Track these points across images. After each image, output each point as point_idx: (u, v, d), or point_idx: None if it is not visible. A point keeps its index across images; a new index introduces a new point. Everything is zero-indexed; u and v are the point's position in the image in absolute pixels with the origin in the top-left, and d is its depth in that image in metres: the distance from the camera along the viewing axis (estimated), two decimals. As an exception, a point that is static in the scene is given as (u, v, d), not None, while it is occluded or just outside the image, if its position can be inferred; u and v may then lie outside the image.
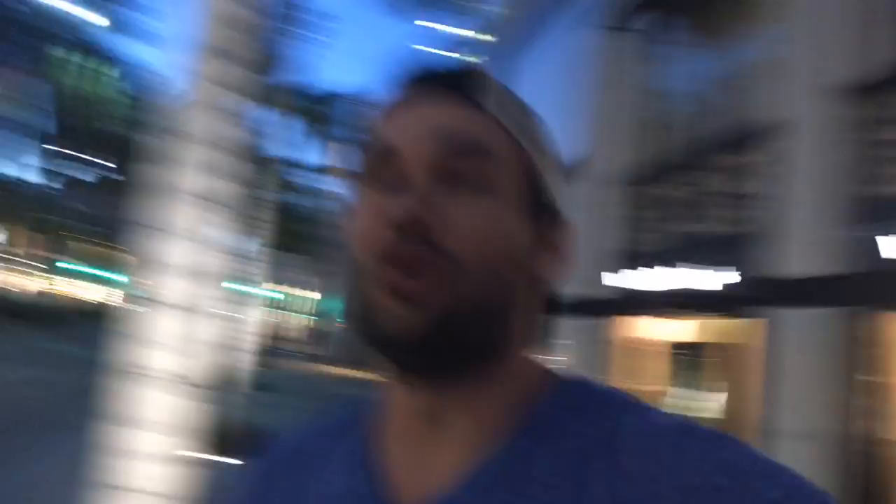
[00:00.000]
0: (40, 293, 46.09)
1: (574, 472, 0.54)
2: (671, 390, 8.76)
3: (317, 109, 21.69)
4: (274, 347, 26.06)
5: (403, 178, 0.57)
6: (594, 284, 9.16)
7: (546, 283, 0.62)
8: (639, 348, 9.10)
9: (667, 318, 8.74)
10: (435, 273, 0.54)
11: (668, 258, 8.03)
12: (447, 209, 0.55)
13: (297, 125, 21.67)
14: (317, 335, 42.73)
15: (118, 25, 27.24)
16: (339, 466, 0.63)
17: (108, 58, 27.57)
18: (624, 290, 8.66)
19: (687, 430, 0.54)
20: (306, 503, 0.63)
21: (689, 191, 8.34)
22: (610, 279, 8.92)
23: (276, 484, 0.67)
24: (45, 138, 29.36)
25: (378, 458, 0.61)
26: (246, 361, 12.07)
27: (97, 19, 24.92)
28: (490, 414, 0.58)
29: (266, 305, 19.90)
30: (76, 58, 27.30)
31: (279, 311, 38.38)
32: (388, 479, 0.60)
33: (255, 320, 13.67)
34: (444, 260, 0.55)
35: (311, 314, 47.66)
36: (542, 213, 0.61)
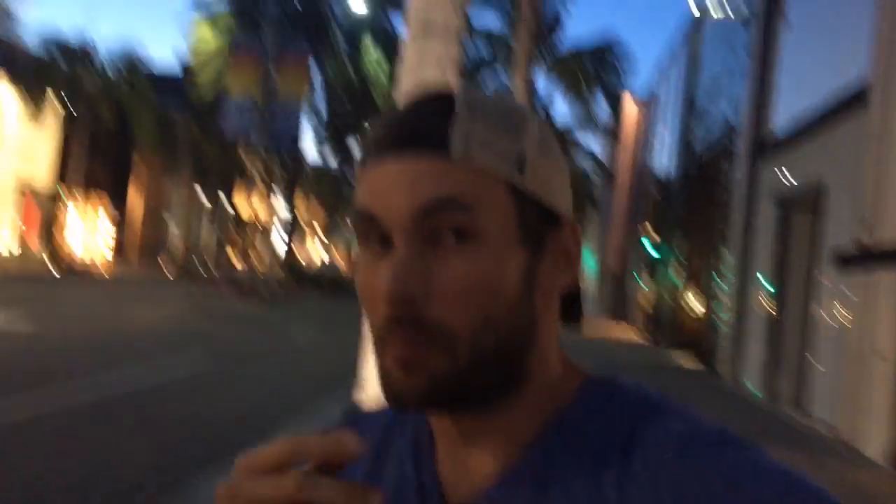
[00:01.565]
0: (324, 263, 51.41)
1: (591, 473, 0.57)
2: None
3: (581, 65, 21.38)
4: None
5: (387, 240, 0.57)
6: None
7: (560, 290, 0.62)
8: None
9: None
10: (427, 342, 0.55)
11: None
12: (429, 273, 0.55)
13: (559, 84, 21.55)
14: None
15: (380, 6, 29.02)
16: (398, 457, 0.68)
17: (375, 38, 29.41)
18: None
19: (696, 436, 0.55)
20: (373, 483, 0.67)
21: None
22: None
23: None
24: (321, 120, 32.33)
25: (428, 455, 0.65)
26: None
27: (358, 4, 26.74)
28: (516, 424, 0.60)
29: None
30: (344, 41, 29.68)
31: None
32: (437, 475, 0.64)
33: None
34: (433, 329, 0.55)
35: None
36: (538, 227, 0.59)
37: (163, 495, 5.01)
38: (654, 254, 25.05)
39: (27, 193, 31.80)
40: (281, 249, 34.88)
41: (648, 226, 26.23)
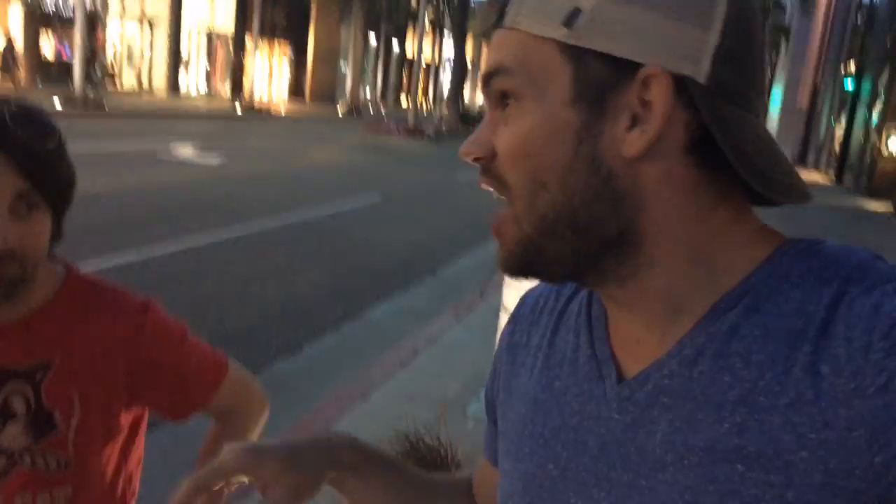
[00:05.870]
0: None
1: (780, 350, 0.51)
2: None
3: None
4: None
5: None
6: None
7: (638, 151, 0.54)
8: None
9: None
10: (504, 202, 0.58)
11: None
12: (494, 136, 0.58)
13: None
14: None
15: None
16: (573, 327, 0.67)
17: None
18: None
19: None
20: (547, 352, 0.69)
21: None
22: None
23: (530, 328, 0.73)
24: None
25: (602, 329, 0.64)
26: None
27: None
28: (672, 295, 0.57)
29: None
30: None
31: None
32: (611, 347, 0.63)
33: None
34: (501, 187, 0.58)
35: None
36: (601, 84, 0.54)
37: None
38: (852, 90, 22.50)
39: (213, 39, 33.99)
40: (447, 90, 34.98)
41: (850, 61, 23.45)
